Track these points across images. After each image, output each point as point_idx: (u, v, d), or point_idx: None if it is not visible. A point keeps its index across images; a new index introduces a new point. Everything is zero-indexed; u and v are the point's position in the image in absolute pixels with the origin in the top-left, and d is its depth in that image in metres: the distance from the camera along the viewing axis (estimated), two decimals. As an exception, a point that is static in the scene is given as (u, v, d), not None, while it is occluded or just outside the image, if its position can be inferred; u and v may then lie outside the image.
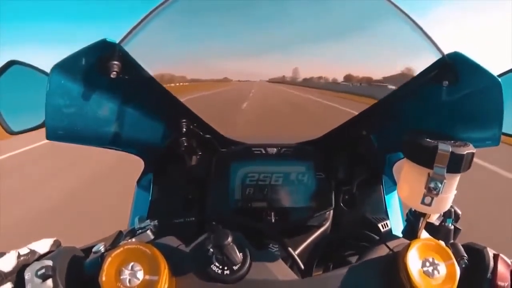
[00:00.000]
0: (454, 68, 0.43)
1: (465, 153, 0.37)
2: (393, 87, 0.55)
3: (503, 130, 0.44)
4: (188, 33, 0.68)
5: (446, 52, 0.45)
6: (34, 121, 0.54)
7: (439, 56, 0.45)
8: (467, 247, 0.41)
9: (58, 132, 0.45)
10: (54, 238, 0.41)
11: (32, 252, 0.38)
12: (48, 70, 0.43)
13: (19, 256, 0.36)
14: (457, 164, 0.37)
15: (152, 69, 0.49)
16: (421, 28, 0.51)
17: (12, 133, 0.56)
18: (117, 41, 0.44)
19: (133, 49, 0.46)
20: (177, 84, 0.68)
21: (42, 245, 0.40)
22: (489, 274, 0.37)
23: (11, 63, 0.56)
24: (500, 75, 0.52)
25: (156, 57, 0.63)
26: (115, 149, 0.59)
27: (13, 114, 0.56)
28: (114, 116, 0.52)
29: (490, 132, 0.44)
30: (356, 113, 0.62)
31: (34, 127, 0.55)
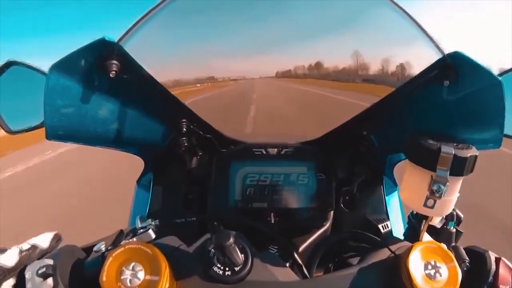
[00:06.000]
0: (454, 68, 0.43)
1: (468, 156, 0.37)
2: (393, 87, 0.55)
3: (505, 132, 0.43)
4: (186, 32, 0.68)
5: (446, 51, 0.44)
6: (33, 121, 0.54)
7: (439, 55, 0.45)
8: (469, 250, 0.41)
9: (57, 132, 0.45)
10: (55, 232, 0.42)
11: (33, 247, 0.38)
12: (46, 70, 0.42)
13: (20, 251, 0.37)
14: (460, 167, 0.37)
15: (151, 68, 0.48)
16: (422, 28, 0.51)
17: (11, 132, 0.56)
18: (116, 40, 0.44)
19: (131, 48, 0.45)
20: (178, 87, 0.68)
21: (43, 240, 0.40)
22: (490, 278, 0.37)
23: (9, 64, 0.55)
24: (500, 74, 0.52)
25: (155, 56, 0.62)
26: (115, 149, 0.59)
27: (12, 114, 0.56)
28: (114, 116, 0.52)
29: (491, 133, 0.44)
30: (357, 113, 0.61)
31: (34, 127, 0.54)
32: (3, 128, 0.56)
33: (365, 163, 0.66)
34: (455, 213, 0.48)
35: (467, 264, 0.39)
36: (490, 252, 0.40)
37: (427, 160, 0.38)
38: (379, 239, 0.50)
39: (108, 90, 0.48)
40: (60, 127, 0.45)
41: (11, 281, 0.35)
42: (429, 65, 0.45)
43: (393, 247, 0.40)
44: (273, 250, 0.55)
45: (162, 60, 0.68)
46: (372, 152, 0.65)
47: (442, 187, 0.37)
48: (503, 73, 0.54)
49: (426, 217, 0.43)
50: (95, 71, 0.43)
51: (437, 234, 0.48)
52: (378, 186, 0.69)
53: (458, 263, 0.36)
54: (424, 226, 0.43)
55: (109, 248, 0.39)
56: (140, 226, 0.44)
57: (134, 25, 0.47)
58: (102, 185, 3.57)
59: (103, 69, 0.42)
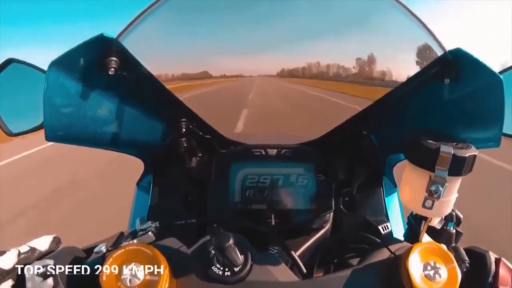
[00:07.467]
0: (455, 65, 0.43)
1: (467, 155, 0.36)
2: (394, 85, 0.54)
3: (504, 131, 0.43)
4: (185, 29, 0.67)
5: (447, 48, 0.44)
6: (33, 122, 0.53)
7: (440, 52, 0.45)
8: (469, 251, 0.41)
9: (57, 133, 0.44)
10: (54, 235, 0.41)
11: (32, 249, 0.38)
12: (46, 68, 0.41)
13: (19, 254, 0.36)
14: (458, 167, 0.37)
15: (150, 65, 0.48)
16: (423, 24, 0.51)
17: (11, 134, 0.55)
18: (115, 36, 0.43)
19: (130, 45, 0.45)
20: (176, 84, 0.68)
21: (42, 242, 0.40)
22: (490, 278, 0.37)
23: (9, 62, 0.55)
24: (501, 72, 0.51)
25: (154, 54, 0.62)
26: (115, 150, 0.59)
27: (12, 116, 0.56)
28: (113, 116, 0.52)
29: (491, 132, 0.44)
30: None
31: (33, 128, 0.54)
32: (3, 130, 0.55)
33: (365, 163, 0.66)
34: (454, 213, 0.48)
35: (467, 264, 0.39)
36: (490, 253, 0.39)
37: (426, 160, 0.38)
38: (379, 240, 0.50)
39: (107, 89, 0.48)
40: (59, 128, 0.44)
41: (9, 283, 0.34)
42: (430, 62, 0.45)
43: (392, 248, 0.40)
44: (274, 251, 0.55)
45: (161, 57, 0.68)
46: (372, 151, 0.65)
47: (441, 187, 0.37)
48: (503, 71, 0.54)
49: (425, 218, 0.43)
50: (94, 69, 0.43)
51: (437, 235, 0.47)
52: (378, 187, 0.69)
53: (458, 263, 0.36)
54: (423, 227, 0.43)
55: (110, 249, 0.39)
56: (140, 228, 0.44)
57: (132, 21, 0.47)
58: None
59: (102, 66, 0.42)
